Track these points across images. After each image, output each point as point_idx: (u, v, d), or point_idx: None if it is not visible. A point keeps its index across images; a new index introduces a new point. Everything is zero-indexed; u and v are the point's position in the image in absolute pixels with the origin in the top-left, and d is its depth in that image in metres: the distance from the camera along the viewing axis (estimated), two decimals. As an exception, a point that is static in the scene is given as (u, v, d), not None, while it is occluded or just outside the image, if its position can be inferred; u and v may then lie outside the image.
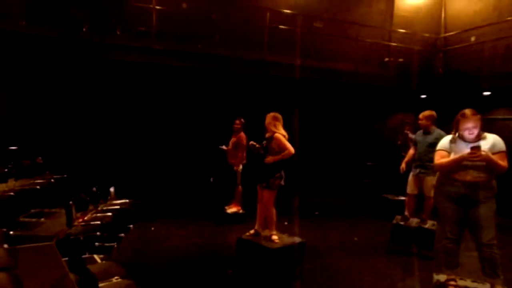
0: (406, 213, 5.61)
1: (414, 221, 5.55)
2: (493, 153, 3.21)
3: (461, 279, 3.48)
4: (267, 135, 4.54)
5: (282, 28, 7.91)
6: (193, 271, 4.50)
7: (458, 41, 9.27)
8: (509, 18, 8.01)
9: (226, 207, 6.70)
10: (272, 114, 4.56)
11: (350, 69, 8.31)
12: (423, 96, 9.29)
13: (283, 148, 4.44)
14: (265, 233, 4.64)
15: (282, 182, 4.49)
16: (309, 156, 8.76)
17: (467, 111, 3.32)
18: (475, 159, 3.13)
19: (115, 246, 4.35)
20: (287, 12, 8.20)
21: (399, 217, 5.69)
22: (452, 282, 3.36)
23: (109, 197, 5.34)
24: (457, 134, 3.38)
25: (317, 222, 7.07)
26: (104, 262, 3.47)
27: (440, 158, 3.44)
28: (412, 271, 4.77)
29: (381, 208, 7.71)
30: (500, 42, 8.10)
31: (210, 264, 4.76)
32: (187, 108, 8.12)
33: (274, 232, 4.56)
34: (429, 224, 5.44)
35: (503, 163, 3.19)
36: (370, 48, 8.91)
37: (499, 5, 8.62)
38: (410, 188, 5.54)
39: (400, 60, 9.18)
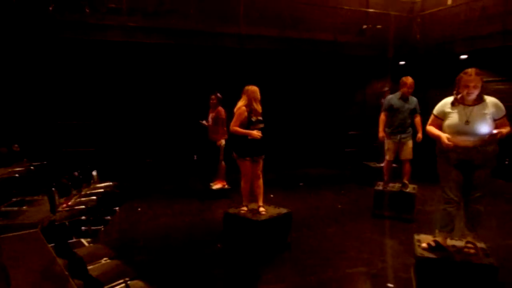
0: (387, 178, 5.76)
1: (395, 186, 5.71)
2: (497, 119, 3.18)
3: (440, 237, 3.59)
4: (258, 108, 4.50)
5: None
6: (182, 248, 4.56)
7: (435, 5, 9.26)
8: (484, -21, 8.02)
9: (211, 184, 6.74)
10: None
11: (329, 39, 8.25)
12: (401, 63, 9.34)
13: None
14: (252, 206, 4.70)
15: None
16: (292, 127, 8.82)
17: (470, 70, 3.23)
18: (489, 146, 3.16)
19: (102, 229, 4.36)
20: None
21: (380, 183, 5.83)
22: (430, 241, 3.47)
23: (92, 181, 5.29)
24: (455, 98, 3.32)
25: (302, 193, 7.20)
26: (91, 245, 3.48)
27: (431, 123, 3.47)
28: (394, 234, 4.95)
29: (364, 175, 7.89)
30: (476, 4, 8.13)
31: (198, 240, 4.81)
32: (166, 85, 7.98)
33: (262, 204, 4.62)
34: (409, 188, 5.61)
35: (507, 128, 3.17)
36: (348, 16, 8.82)
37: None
38: (392, 154, 5.66)
39: (378, 27, 9.14)
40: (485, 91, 3.28)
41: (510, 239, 4.76)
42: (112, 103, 7.68)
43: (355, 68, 9.45)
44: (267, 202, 4.84)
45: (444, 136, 3.25)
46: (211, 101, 6.52)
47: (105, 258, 2.98)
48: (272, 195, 6.38)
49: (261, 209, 4.55)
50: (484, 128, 3.15)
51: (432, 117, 3.50)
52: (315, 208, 6.20)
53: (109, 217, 4.64)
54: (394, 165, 5.90)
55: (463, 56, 8.18)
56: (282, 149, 8.31)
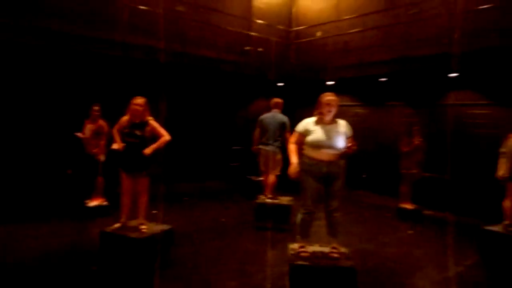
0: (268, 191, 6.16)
1: (272, 199, 6.12)
2: (348, 137, 3.76)
3: (310, 245, 4.00)
4: (136, 121, 4.37)
5: (143, 9, 7.55)
6: (50, 274, 4.09)
7: (307, 35, 10.34)
8: (346, 17, 9.31)
9: (87, 201, 6.22)
10: (143, 99, 4.41)
11: (214, 56, 8.48)
12: (280, 84, 10.11)
13: (159, 134, 4.45)
14: (133, 223, 4.51)
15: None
16: (177, 142, 8.69)
17: (328, 94, 3.81)
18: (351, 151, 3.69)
19: None
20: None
21: (262, 196, 6.19)
22: (303, 249, 3.84)
23: None
24: (318, 118, 3.81)
25: (187, 208, 7.17)
26: None
27: (295, 140, 3.90)
28: (273, 244, 5.28)
29: (247, 189, 8.23)
30: (340, 38, 9.35)
31: (70, 264, 4.38)
32: (37, 92, 7.12)
33: (143, 221, 4.48)
34: (285, 200, 6.08)
35: (355, 145, 3.75)
36: (232, 37, 9.22)
37: (338, 5, 9.91)
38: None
39: (260, 49, 9.77)
40: (340, 114, 3.86)
41: (367, 243, 5.51)
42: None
43: (239, 86, 9.90)
44: (149, 218, 4.70)
45: (293, 166, 3.80)
46: (94, 113, 6.11)
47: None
48: (155, 211, 6.19)
49: (142, 226, 4.41)
50: (340, 143, 3.71)
51: (296, 134, 3.92)
52: (199, 222, 6.23)
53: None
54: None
55: (330, 83, 9.28)
56: (166, 164, 8.15)
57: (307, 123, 3.87)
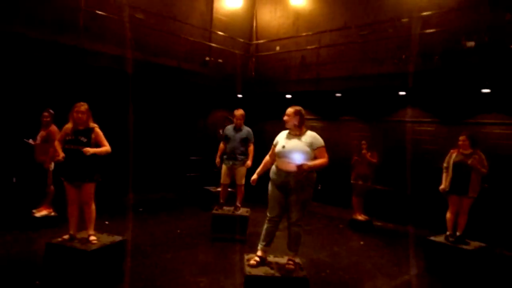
0: (222, 201, 6.18)
1: (230, 210, 6.12)
2: (315, 149, 3.76)
3: (266, 256, 4.03)
4: (80, 127, 4.24)
5: (101, 15, 7.36)
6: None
7: (267, 49, 10.58)
8: (303, 34, 9.64)
9: (34, 211, 5.89)
10: (85, 105, 4.29)
11: (173, 65, 8.42)
12: (239, 96, 10.21)
13: (102, 144, 4.33)
14: (82, 234, 4.33)
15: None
16: (134, 151, 8.49)
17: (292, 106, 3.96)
18: (301, 174, 3.65)
19: None
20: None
21: (217, 207, 6.18)
22: (258, 260, 3.87)
23: None
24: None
25: (142, 219, 6.97)
26: None
27: (270, 152, 4.02)
28: (229, 255, 5.28)
29: (204, 199, 8.16)
30: (297, 53, 9.65)
31: (11, 279, 4.12)
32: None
33: (93, 232, 4.31)
34: (242, 211, 6.11)
35: (322, 159, 3.77)
36: (192, 47, 9.22)
37: (297, 22, 10.25)
38: (223, 178, 6.17)
39: (220, 60, 9.84)
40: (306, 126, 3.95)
41: (320, 254, 5.65)
42: None
43: (198, 96, 9.87)
44: (101, 229, 4.54)
45: (255, 175, 4.04)
46: (44, 118, 5.83)
47: None
48: (107, 222, 5.99)
49: (92, 237, 4.25)
50: (297, 154, 3.70)
51: (272, 147, 3.99)
52: (153, 234, 6.09)
53: None
54: (230, 189, 6.40)
55: (288, 96, 9.51)
56: (122, 174, 7.92)
57: (280, 134, 4.00)
